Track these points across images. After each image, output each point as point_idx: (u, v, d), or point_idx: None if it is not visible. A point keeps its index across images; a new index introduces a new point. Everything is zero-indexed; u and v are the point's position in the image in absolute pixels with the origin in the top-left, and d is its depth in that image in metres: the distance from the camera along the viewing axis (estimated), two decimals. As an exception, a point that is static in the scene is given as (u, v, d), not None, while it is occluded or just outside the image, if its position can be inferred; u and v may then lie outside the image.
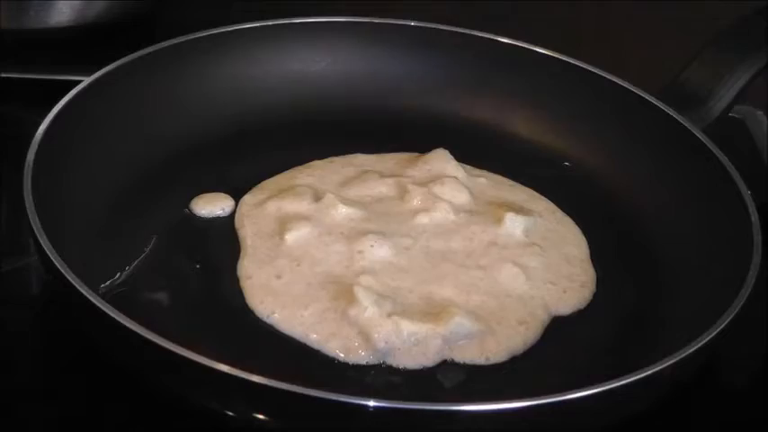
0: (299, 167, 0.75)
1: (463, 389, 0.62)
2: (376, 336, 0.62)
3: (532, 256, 0.69)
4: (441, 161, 0.75)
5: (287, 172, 0.75)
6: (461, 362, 0.63)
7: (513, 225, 0.70)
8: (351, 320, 0.63)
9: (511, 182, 0.76)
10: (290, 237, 0.68)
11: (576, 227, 0.73)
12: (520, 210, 0.72)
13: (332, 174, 0.75)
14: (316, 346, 0.62)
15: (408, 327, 0.62)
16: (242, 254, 0.68)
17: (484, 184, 0.75)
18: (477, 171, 0.76)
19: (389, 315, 0.63)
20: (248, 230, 0.69)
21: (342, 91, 0.81)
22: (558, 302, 0.67)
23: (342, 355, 0.62)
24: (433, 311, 0.64)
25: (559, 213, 0.74)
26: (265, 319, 0.64)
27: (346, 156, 0.76)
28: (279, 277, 0.66)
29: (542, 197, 0.75)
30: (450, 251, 0.69)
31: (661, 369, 0.56)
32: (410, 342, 0.62)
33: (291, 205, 0.71)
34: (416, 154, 0.77)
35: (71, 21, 0.86)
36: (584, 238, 0.72)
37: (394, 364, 0.62)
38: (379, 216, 0.70)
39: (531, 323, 0.65)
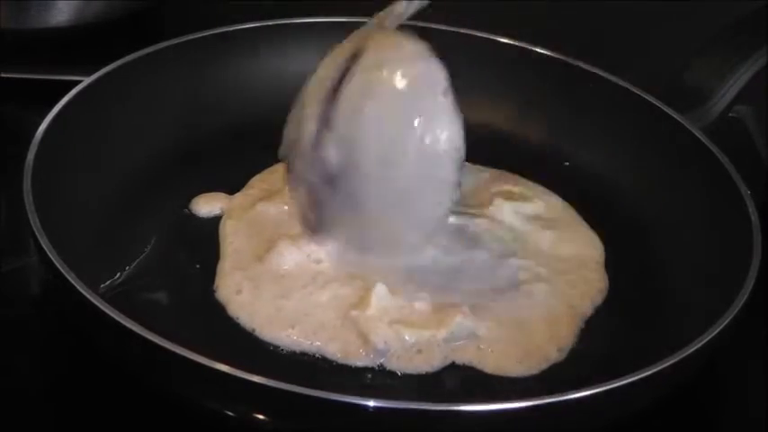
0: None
1: (463, 389, 0.62)
2: (376, 338, 0.62)
3: (548, 264, 0.68)
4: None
5: (276, 166, 0.73)
6: (462, 363, 0.63)
7: (513, 216, 0.71)
8: (351, 322, 0.63)
9: (519, 179, 0.76)
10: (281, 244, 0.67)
11: (591, 230, 0.72)
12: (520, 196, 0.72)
13: None
14: (314, 348, 0.62)
15: (410, 335, 0.62)
16: (221, 258, 0.67)
17: (487, 180, 0.75)
18: (480, 167, 0.76)
19: (390, 323, 0.62)
20: (230, 233, 0.69)
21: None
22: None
23: (340, 355, 0.62)
24: (436, 315, 0.63)
25: (571, 211, 0.73)
26: (251, 332, 0.63)
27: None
28: (270, 286, 0.65)
29: (553, 194, 0.74)
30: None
31: (661, 369, 0.56)
32: (413, 351, 0.62)
33: (278, 207, 0.70)
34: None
35: (71, 21, 0.86)
36: (599, 241, 0.71)
37: (395, 369, 0.62)
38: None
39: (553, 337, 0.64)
